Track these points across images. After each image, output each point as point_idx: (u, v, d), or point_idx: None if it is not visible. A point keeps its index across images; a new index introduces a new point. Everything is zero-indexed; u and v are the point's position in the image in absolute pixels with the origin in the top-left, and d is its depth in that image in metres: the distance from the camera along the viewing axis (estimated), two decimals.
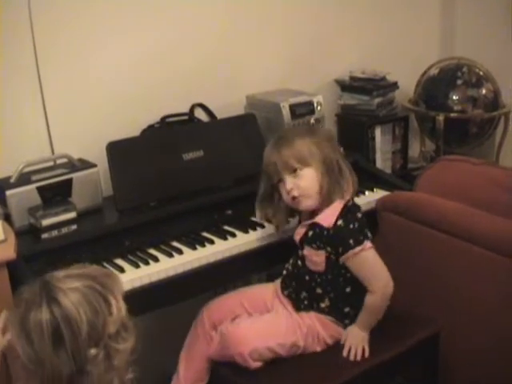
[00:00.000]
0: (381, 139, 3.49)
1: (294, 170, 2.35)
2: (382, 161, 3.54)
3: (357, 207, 2.44)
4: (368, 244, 2.34)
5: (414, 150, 3.90)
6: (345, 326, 2.43)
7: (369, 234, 2.37)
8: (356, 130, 3.49)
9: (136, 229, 2.53)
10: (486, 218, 2.52)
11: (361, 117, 3.50)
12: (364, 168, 3.17)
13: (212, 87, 3.12)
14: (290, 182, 2.36)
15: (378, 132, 3.49)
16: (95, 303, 1.62)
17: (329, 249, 2.35)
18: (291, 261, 2.51)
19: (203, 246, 2.54)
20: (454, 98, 3.66)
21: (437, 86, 3.74)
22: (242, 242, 2.57)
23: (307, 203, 2.38)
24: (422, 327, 2.52)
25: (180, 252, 2.49)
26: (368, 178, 3.11)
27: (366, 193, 2.99)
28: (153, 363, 2.38)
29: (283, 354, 2.35)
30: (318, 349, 2.41)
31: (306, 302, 2.44)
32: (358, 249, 2.32)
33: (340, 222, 2.34)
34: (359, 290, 2.39)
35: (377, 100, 3.48)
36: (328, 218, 2.36)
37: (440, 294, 2.66)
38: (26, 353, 1.59)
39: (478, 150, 3.83)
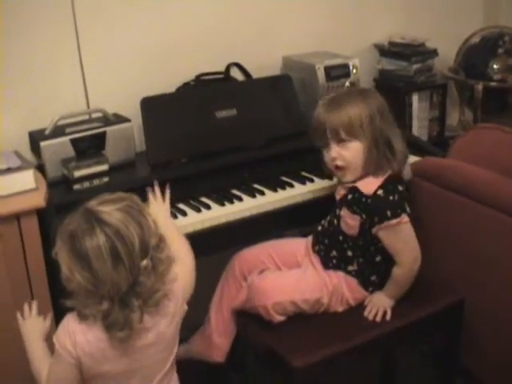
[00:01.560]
0: (418, 106, 3.46)
1: (342, 140, 2.33)
2: (419, 128, 3.50)
3: (400, 180, 2.40)
4: (405, 218, 2.31)
5: (453, 118, 3.86)
6: (369, 293, 2.43)
7: (407, 209, 2.33)
8: (393, 95, 3.42)
9: (167, 183, 2.56)
10: None
11: (398, 82, 3.47)
12: None
13: (249, 47, 3.11)
14: (334, 151, 2.35)
15: (415, 98, 3.46)
16: (138, 218, 1.74)
17: (364, 216, 2.34)
18: (328, 217, 2.50)
19: (231, 202, 2.56)
20: (495, 67, 3.60)
21: (477, 55, 3.68)
22: (271, 200, 2.59)
23: (348, 177, 2.37)
24: (446, 294, 2.51)
25: (208, 207, 2.52)
26: None
27: None
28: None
29: (307, 309, 2.37)
30: (340, 309, 2.42)
31: (334, 261, 2.45)
32: (394, 221, 2.29)
33: (380, 192, 2.31)
34: (389, 260, 2.39)
35: (415, 66, 3.44)
36: (369, 185, 2.34)
37: (466, 262, 2.65)
38: (86, 278, 1.71)
39: None
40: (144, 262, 1.74)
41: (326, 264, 2.46)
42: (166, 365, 1.97)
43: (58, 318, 2.36)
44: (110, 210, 1.73)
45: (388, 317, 2.37)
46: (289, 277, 2.45)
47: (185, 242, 2.14)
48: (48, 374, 1.87)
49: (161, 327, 1.87)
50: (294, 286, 2.37)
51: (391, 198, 2.31)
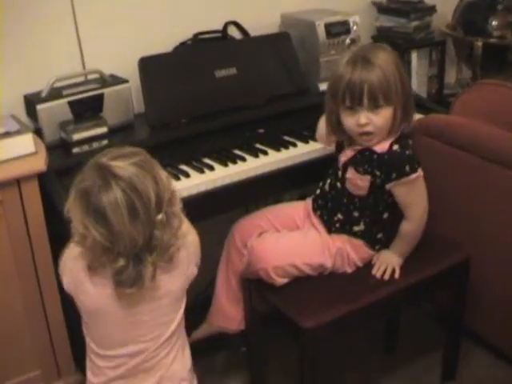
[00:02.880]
0: (417, 63, 3.43)
1: (376, 106, 2.22)
2: (418, 85, 3.48)
3: (409, 135, 2.36)
4: (421, 172, 2.29)
5: (451, 76, 3.81)
6: (376, 252, 2.41)
7: (420, 165, 2.30)
8: None
9: (167, 145, 2.52)
10: None
11: (397, 39, 3.42)
12: None
13: (246, 5, 3.06)
14: (365, 117, 2.22)
15: (414, 56, 3.42)
16: (152, 173, 1.75)
17: (378, 173, 2.28)
18: (328, 181, 2.45)
19: (235, 163, 2.52)
20: (494, 23, 3.55)
21: (476, 11, 3.63)
22: (274, 159, 2.56)
23: (374, 141, 2.28)
24: (451, 253, 2.50)
25: (211, 168, 2.48)
26: None
27: None
28: None
29: (310, 272, 2.35)
30: (349, 270, 2.40)
31: (337, 225, 2.41)
32: (413, 176, 2.26)
33: (396, 148, 2.27)
34: (396, 217, 2.37)
35: (414, 23, 3.41)
36: (382, 143, 2.28)
37: (471, 219, 2.64)
38: (102, 234, 1.71)
39: None
40: (159, 216, 1.75)
41: (329, 228, 2.43)
42: (171, 326, 1.94)
43: (60, 285, 2.35)
44: (124, 164, 1.72)
45: (396, 275, 2.35)
46: (289, 239, 2.43)
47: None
48: None
49: (170, 284, 1.88)
50: (295, 249, 2.36)
51: (407, 152, 2.28)
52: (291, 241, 2.41)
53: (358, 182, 2.32)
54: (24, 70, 2.63)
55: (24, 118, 2.61)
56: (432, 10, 3.50)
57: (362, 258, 2.41)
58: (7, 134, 2.27)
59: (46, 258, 2.32)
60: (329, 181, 2.46)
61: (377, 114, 2.22)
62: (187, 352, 2.04)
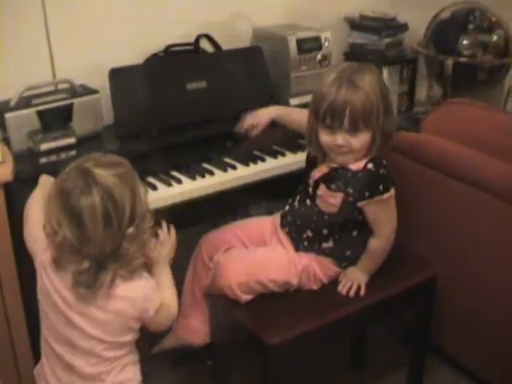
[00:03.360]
0: (388, 80, 3.43)
1: (355, 129, 2.21)
2: None
3: (383, 164, 2.31)
4: (393, 191, 2.30)
5: (421, 93, 3.83)
6: (342, 269, 2.41)
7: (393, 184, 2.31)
8: None
9: (136, 157, 2.45)
10: (490, 162, 2.48)
11: (369, 56, 3.43)
12: None
13: (218, 18, 3.06)
14: (343, 138, 2.21)
15: (385, 72, 3.43)
16: (131, 186, 1.82)
17: (351, 191, 2.27)
18: (298, 198, 2.44)
19: (203, 176, 2.51)
20: (465, 42, 3.58)
21: (447, 30, 3.66)
22: (243, 174, 2.55)
23: (350, 160, 2.28)
24: (419, 270, 2.51)
25: (179, 182, 2.47)
26: None
27: None
28: None
29: (275, 289, 2.34)
30: (315, 287, 2.39)
31: (306, 243, 2.40)
32: (386, 195, 2.27)
33: (370, 166, 2.26)
34: (364, 234, 2.37)
35: (386, 40, 3.42)
36: (357, 162, 2.28)
37: (439, 237, 2.66)
38: (74, 234, 1.77)
39: (485, 98, 3.76)
40: (130, 230, 1.81)
41: (297, 246, 2.42)
42: (106, 349, 1.95)
43: (24, 295, 2.32)
44: (107, 174, 1.77)
45: (362, 292, 2.35)
46: (255, 256, 2.42)
47: (174, 294, 2.07)
48: None
49: (121, 304, 1.89)
50: (261, 266, 2.34)
51: (382, 171, 2.27)
52: (257, 257, 2.40)
53: (329, 200, 2.31)
54: None
55: None
56: (404, 27, 3.52)
57: (328, 275, 2.40)
58: None
59: (10, 266, 2.28)
60: (298, 197, 2.44)
61: (355, 136, 2.22)
62: None
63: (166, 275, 2.08)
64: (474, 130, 2.72)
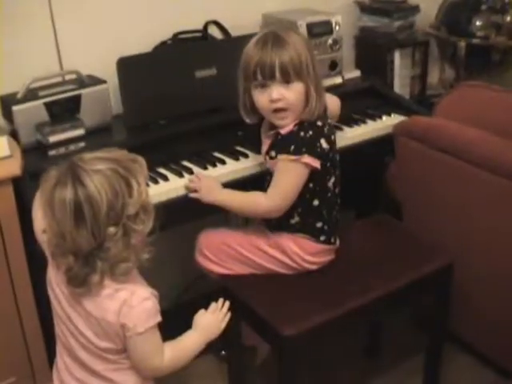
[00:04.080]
0: (400, 63, 3.38)
1: (287, 81, 2.18)
2: (401, 86, 3.43)
3: (316, 127, 2.24)
4: (305, 158, 2.18)
5: (434, 76, 3.78)
6: (322, 243, 2.35)
7: (317, 151, 2.21)
8: (374, 53, 3.40)
9: (145, 147, 2.44)
10: (505, 146, 2.43)
11: (380, 40, 3.40)
12: (381, 92, 3.13)
13: (227, 4, 3.02)
14: (277, 92, 2.19)
15: (397, 56, 3.38)
16: (116, 185, 1.73)
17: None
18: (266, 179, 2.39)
19: (214, 166, 2.49)
20: (477, 23, 3.51)
21: (460, 11, 3.59)
22: (255, 162, 2.52)
23: (288, 119, 2.23)
24: (434, 257, 2.47)
25: (190, 172, 2.44)
26: (385, 102, 3.08)
27: (383, 117, 2.93)
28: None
29: (245, 253, 2.37)
30: (308, 265, 2.36)
31: (274, 222, 2.35)
32: (292, 157, 2.18)
33: (295, 129, 2.22)
34: (328, 202, 2.33)
35: (397, 23, 3.37)
36: (288, 126, 2.24)
37: (454, 223, 2.62)
38: (51, 225, 1.75)
39: (499, 80, 3.71)
40: (111, 229, 1.74)
41: (269, 226, 2.39)
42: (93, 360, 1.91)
43: (36, 291, 2.30)
44: (92, 169, 1.72)
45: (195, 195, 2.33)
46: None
47: (176, 362, 1.97)
48: None
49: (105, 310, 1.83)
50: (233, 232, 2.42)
51: (302, 134, 2.21)
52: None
53: (273, 169, 2.27)
54: (0, 70, 2.57)
55: (0, 119, 2.57)
56: (415, 9, 3.47)
57: (310, 252, 2.34)
58: None
59: (21, 262, 2.27)
60: (267, 178, 2.39)
61: (288, 88, 2.19)
62: None
63: (192, 341, 2.01)
64: (489, 113, 2.68)
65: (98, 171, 1.71)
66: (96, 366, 1.90)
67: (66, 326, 1.91)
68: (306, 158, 2.18)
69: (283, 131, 2.24)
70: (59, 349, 2.00)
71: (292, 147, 2.18)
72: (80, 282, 1.78)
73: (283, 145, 2.21)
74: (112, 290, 1.81)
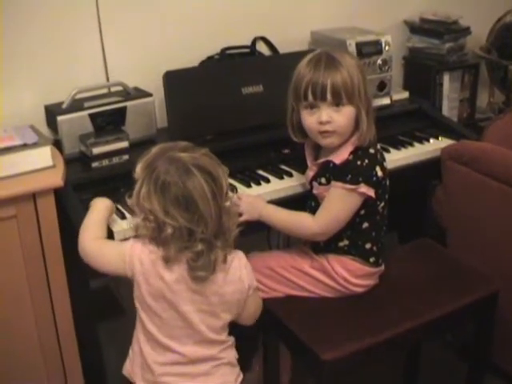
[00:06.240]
0: (449, 86, 3.35)
1: (338, 104, 2.16)
2: (449, 109, 3.39)
3: (371, 154, 2.22)
4: (362, 188, 2.16)
5: (482, 100, 3.74)
6: (371, 265, 2.32)
7: (372, 179, 2.18)
8: (423, 74, 3.36)
9: None
10: None
11: (429, 61, 3.36)
12: (430, 115, 3.08)
13: (276, 21, 3.01)
14: (326, 114, 2.16)
15: (446, 78, 3.35)
16: (218, 162, 1.93)
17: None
18: (308, 203, 2.37)
19: (258, 184, 2.46)
20: None
21: (511, 34, 3.55)
22: (300, 182, 2.48)
23: (335, 142, 2.21)
24: (479, 285, 2.41)
25: (234, 189, 2.40)
26: (433, 125, 3.02)
27: (431, 140, 2.87)
28: None
29: (286, 275, 2.35)
30: (355, 289, 2.32)
31: (321, 244, 2.32)
32: (348, 186, 2.16)
33: (351, 157, 2.19)
34: (377, 226, 2.29)
35: (447, 45, 3.33)
36: (340, 156, 2.21)
37: (502, 250, 2.56)
38: (186, 218, 1.83)
39: None
40: (227, 203, 1.92)
41: (314, 248, 2.36)
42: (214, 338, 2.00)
43: (73, 301, 2.28)
44: (196, 155, 1.88)
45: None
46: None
47: None
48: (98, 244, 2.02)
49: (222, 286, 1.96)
50: (275, 255, 2.44)
51: (359, 163, 2.18)
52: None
53: (325, 195, 2.24)
54: (47, 80, 2.60)
55: (44, 128, 2.57)
56: (466, 31, 3.42)
57: (356, 274, 2.30)
58: (24, 146, 2.19)
59: (60, 274, 2.24)
60: (308, 203, 2.38)
61: (338, 111, 2.17)
62: None
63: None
64: None
65: (202, 155, 1.89)
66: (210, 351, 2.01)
67: (175, 328, 1.97)
68: (363, 188, 2.16)
69: (337, 160, 2.21)
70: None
71: (349, 176, 2.16)
72: (206, 267, 1.87)
73: (339, 174, 2.19)
74: (228, 261, 1.95)
